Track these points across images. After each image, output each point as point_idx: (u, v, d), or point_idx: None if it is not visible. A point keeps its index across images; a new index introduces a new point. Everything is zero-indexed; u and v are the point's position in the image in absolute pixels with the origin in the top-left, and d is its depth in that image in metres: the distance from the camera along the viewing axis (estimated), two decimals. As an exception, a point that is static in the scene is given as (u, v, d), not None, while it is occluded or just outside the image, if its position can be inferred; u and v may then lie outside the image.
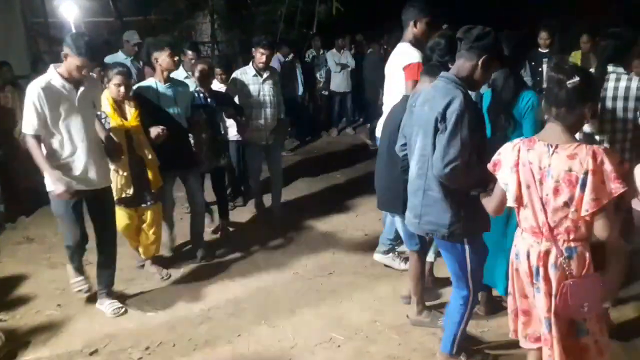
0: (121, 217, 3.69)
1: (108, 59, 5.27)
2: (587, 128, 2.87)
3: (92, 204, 3.33)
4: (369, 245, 4.36)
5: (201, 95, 4.29)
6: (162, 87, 3.85)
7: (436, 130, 2.34)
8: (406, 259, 3.65)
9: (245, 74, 4.71)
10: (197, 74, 4.30)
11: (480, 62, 2.35)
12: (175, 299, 3.59)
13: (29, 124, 3.01)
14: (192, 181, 4.13)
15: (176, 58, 3.90)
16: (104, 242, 3.42)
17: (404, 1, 3.68)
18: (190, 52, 5.01)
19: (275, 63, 7.56)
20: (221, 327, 3.24)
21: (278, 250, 4.37)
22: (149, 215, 3.82)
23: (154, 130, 3.63)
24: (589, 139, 2.88)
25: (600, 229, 1.95)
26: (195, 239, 4.26)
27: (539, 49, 6.19)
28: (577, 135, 2.82)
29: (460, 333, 2.67)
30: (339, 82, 8.61)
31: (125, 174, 3.60)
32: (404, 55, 3.51)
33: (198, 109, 4.19)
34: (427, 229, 2.55)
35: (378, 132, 3.68)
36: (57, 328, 3.30)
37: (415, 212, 2.56)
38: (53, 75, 3.03)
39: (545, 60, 6.11)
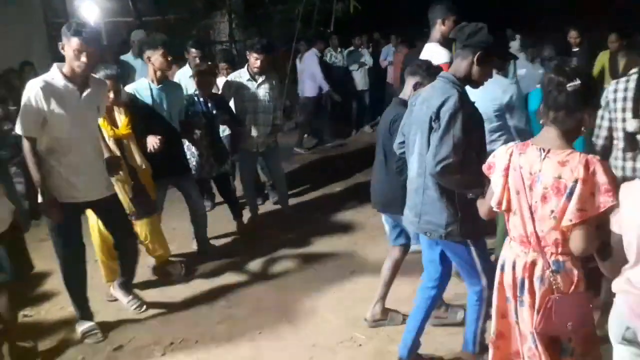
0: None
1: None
2: (630, 126, 2.72)
3: (105, 213, 3.18)
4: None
5: (200, 100, 4.18)
6: (155, 88, 3.73)
7: (431, 129, 2.35)
8: None
9: (239, 77, 4.56)
10: (195, 76, 4.20)
11: (475, 59, 2.33)
12: (196, 297, 3.62)
13: (23, 125, 2.79)
14: (187, 186, 4.05)
15: (170, 58, 3.74)
16: (129, 251, 3.33)
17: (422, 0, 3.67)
18: (193, 50, 4.81)
19: (311, 58, 7.59)
20: (242, 325, 3.26)
21: (297, 249, 4.37)
22: (148, 227, 3.67)
23: (151, 140, 3.52)
24: (631, 140, 2.74)
25: (577, 241, 1.80)
26: (201, 243, 4.24)
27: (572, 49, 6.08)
28: (620, 134, 2.74)
29: (480, 330, 2.65)
30: (357, 81, 8.60)
31: (127, 187, 3.46)
32: (432, 55, 3.41)
33: (197, 115, 4.11)
34: (425, 229, 2.53)
35: None
36: (82, 324, 3.35)
37: (415, 210, 2.55)
38: (55, 74, 2.82)
39: (574, 59, 5.98)
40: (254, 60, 4.45)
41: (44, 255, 4.48)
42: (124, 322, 3.33)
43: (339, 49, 8.52)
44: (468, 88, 2.42)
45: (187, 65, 4.81)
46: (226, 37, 9.80)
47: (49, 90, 2.76)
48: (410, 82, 2.90)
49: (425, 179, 2.45)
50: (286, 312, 3.38)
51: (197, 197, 4.16)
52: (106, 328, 3.28)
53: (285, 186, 5.10)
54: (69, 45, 2.73)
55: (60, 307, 3.59)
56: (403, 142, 2.71)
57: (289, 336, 3.13)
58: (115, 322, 3.35)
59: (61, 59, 2.85)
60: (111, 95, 3.31)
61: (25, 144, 2.81)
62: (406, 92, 2.94)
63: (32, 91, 2.75)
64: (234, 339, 3.11)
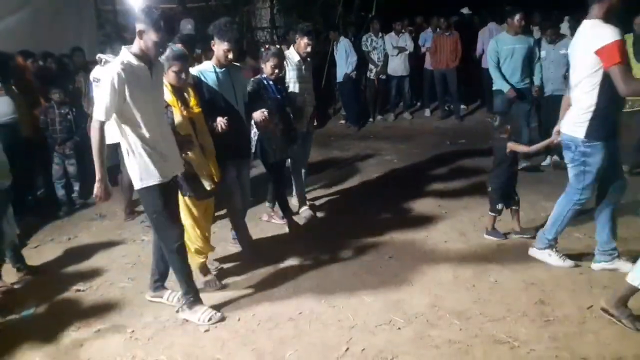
0: (190, 210, 3.46)
1: None
2: None
3: (168, 192, 3.11)
4: (428, 230, 4.34)
5: (270, 83, 4.10)
6: (220, 71, 3.65)
7: None
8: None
9: (289, 59, 4.50)
10: (271, 62, 4.04)
11: None
12: (237, 279, 3.70)
13: (100, 109, 2.79)
14: (244, 173, 3.95)
15: (231, 56, 3.61)
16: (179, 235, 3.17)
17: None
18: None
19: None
20: (282, 305, 3.33)
21: (335, 233, 4.41)
22: (207, 209, 3.59)
23: (220, 120, 3.47)
24: None
25: None
26: (242, 237, 4.03)
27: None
28: None
29: None
30: (396, 66, 8.51)
31: (202, 163, 3.38)
32: (598, 34, 3.03)
33: (273, 99, 4.05)
34: None
35: (564, 127, 3.42)
36: (130, 299, 3.50)
37: None
38: (128, 56, 2.86)
39: None
40: (305, 44, 4.47)
41: (93, 234, 4.72)
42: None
43: (380, 34, 8.43)
44: None
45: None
46: (267, 22, 9.86)
47: (128, 72, 2.81)
48: None
49: None
50: (325, 294, 3.43)
51: (248, 188, 4.05)
52: (152, 303, 3.41)
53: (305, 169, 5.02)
54: (150, 35, 2.80)
55: (110, 283, 3.76)
56: None
57: (328, 317, 3.17)
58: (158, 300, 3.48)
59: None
60: (183, 76, 3.27)
61: (96, 128, 2.81)
62: None
63: (112, 74, 2.77)
64: (274, 318, 3.18)
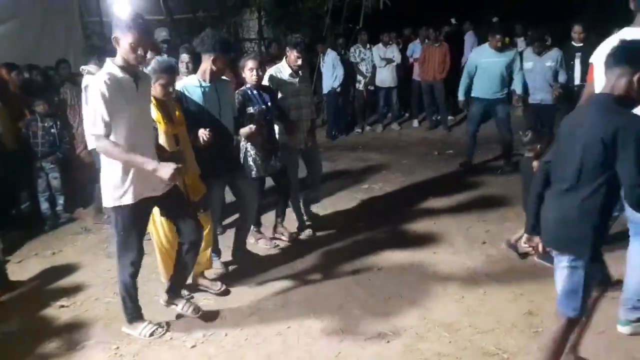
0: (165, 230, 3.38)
1: None
2: None
3: (167, 205, 3.06)
4: (417, 241, 4.33)
5: (254, 93, 3.97)
6: (205, 85, 3.50)
7: None
8: None
9: (280, 72, 4.33)
10: (249, 65, 3.90)
11: None
12: (226, 291, 3.65)
13: (98, 124, 2.67)
14: (242, 184, 3.82)
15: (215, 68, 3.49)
16: (195, 240, 3.15)
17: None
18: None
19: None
20: (271, 319, 3.29)
21: (324, 246, 4.38)
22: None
23: (201, 133, 3.34)
24: None
25: None
26: (239, 246, 4.04)
27: (572, 43, 5.94)
28: None
29: None
30: (384, 77, 8.55)
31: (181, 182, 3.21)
32: None
33: (260, 111, 3.92)
34: None
35: None
36: (115, 315, 3.42)
37: None
38: (112, 68, 2.74)
39: (578, 54, 5.84)
40: (296, 57, 4.28)
41: (78, 248, 4.64)
42: (154, 314, 3.37)
43: (368, 45, 8.48)
44: None
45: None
46: (255, 34, 9.87)
47: (114, 80, 2.69)
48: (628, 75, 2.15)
49: None
50: (314, 307, 3.40)
51: (252, 197, 3.93)
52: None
53: (320, 186, 4.93)
54: (125, 38, 2.67)
55: (95, 298, 3.69)
56: None
57: (317, 331, 3.14)
58: (146, 313, 3.39)
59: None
60: (170, 90, 3.16)
61: (104, 144, 2.69)
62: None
63: (99, 86, 2.65)
64: (262, 333, 3.14)
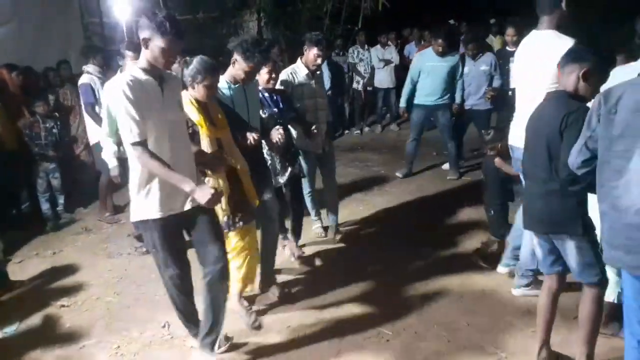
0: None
1: None
2: None
3: (197, 225, 2.70)
4: (416, 240, 4.36)
5: (266, 96, 3.70)
6: (234, 87, 3.28)
7: None
8: None
9: (295, 73, 4.10)
10: (266, 68, 3.63)
11: None
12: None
13: (132, 129, 2.37)
14: (270, 199, 3.42)
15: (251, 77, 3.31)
16: (223, 272, 2.71)
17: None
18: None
19: None
20: (271, 318, 3.31)
21: (325, 244, 4.40)
22: (246, 237, 3.17)
23: (249, 136, 3.12)
24: None
25: None
26: (268, 262, 3.57)
27: (507, 48, 5.93)
28: None
29: None
30: (382, 78, 8.58)
31: (223, 189, 2.92)
32: (557, 46, 2.89)
33: (273, 116, 3.64)
34: None
35: (514, 140, 3.26)
36: (116, 314, 3.46)
37: None
38: (135, 71, 2.47)
39: (512, 59, 5.73)
40: (315, 56, 4.01)
41: (79, 248, 4.66)
42: (155, 313, 3.39)
43: (366, 46, 8.51)
44: None
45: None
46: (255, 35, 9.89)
47: (137, 84, 2.41)
48: (575, 71, 2.40)
49: None
50: (313, 306, 3.41)
51: (277, 215, 3.54)
52: (139, 319, 3.37)
53: (337, 197, 4.62)
54: (157, 41, 2.38)
55: (96, 298, 3.71)
56: (587, 160, 2.20)
57: (316, 330, 3.16)
58: (147, 312, 3.44)
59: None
60: (214, 90, 2.95)
61: (140, 152, 2.40)
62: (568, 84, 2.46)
63: (120, 90, 2.36)
64: (263, 332, 3.16)
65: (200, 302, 2.79)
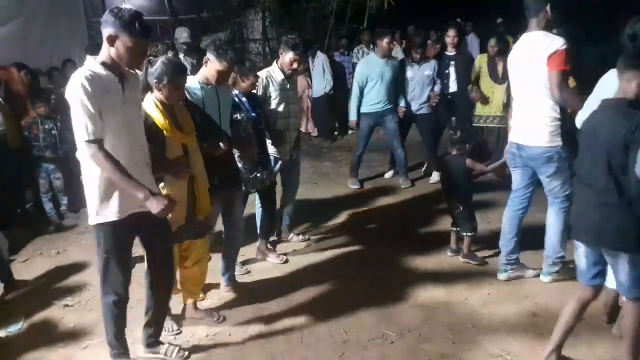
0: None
1: None
2: None
3: (149, 228, 2.63)
4: (420, 242, 4.33)
5: (243, 100, 3.60)
6: (207, 88, 3.15)
7: None
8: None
9: (271, 77, 3.96)
10: (252, 79, 3.61)
11: None
12: (227, 293, 3.63)
13: (88, 126, 2.27)
14: (237, 202, 3.46)
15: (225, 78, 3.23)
16: (165, 277, 2.80)
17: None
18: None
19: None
20: (274, 319, 3.30)
21: (327, 246, 4.39)
22: (197, 248, 3.09)
23: (221, 145, 3.03)
24: None
25: None
26: (229, 265, 3.65)
27: (446, 52, 5.86)
28: None
29: None
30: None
31: (180, 198, 2.79)
32: (547, 44, 3.13)
33: (250, 119, 3.54)
34: None
35: (515, 137, 3.42)
36: (119, 314, 3.44)
37: None
38: (94, 65, 2.36)
39: (452, 63, 5.75)
40: (291, 60, 3.91)
41: (82, 247, 4.65)
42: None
43: (371, 45, 8.47)
44: None
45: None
46: (259, 34, 9.88)
47: (96, 79, 2.31)
48: (636, 78, 2.35)
49: None
50: (318, 308, 3.40)
51: (241, 216, 3.60)
52: (142, 319, 3.35)
53: (294, 207, 4.51)
54: (124, 40, 2.32)
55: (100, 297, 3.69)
56: None
57: (320, 332, 3.14)
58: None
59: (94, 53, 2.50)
60: (181, 92, 2.83)
61: (93, 151, 2.31)
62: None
63: (78, 85, 2.26)
64: (266, 334, 3.15)
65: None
